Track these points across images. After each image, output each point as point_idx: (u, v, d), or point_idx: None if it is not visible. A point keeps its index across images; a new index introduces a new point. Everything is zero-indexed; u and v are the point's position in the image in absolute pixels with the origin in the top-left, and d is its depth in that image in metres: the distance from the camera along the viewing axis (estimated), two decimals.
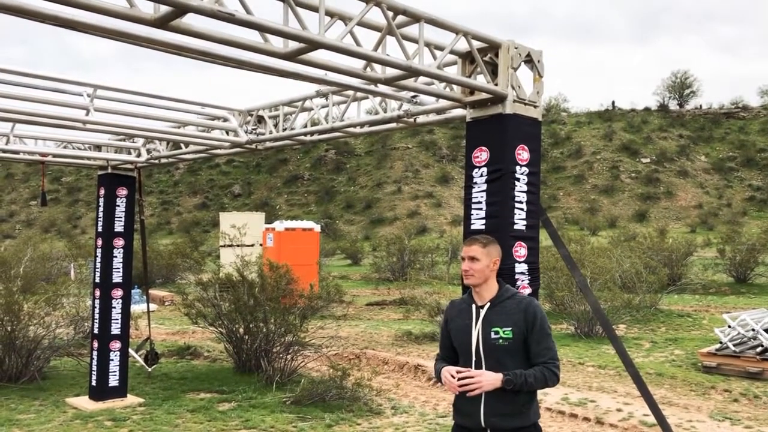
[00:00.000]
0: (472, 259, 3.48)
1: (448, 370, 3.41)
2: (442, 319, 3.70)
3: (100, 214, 8.31)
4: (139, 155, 7.93)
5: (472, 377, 3.32)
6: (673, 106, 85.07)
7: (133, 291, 10.12)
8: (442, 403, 8.28)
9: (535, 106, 4.58)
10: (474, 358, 3.40)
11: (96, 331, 8.24)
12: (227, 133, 6.96)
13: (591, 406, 8.05)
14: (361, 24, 3.95)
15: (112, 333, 8.19)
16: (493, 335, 3.39)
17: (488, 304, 3.47)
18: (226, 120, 6.93)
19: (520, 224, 4.40)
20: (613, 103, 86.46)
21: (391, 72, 4.28)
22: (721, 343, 10.15)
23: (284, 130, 6.49)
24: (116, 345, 8.21)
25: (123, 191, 8.32)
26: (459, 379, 3.33)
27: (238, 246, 15.50)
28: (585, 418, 7.64)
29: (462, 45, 4.39)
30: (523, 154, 4.43)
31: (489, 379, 3.31)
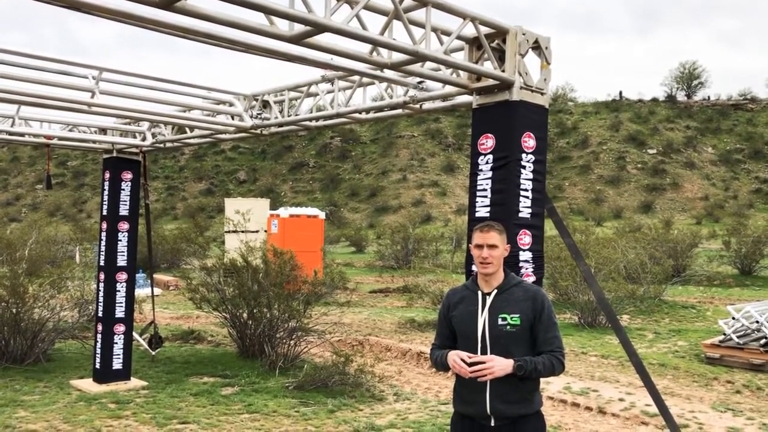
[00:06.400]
0: (492, 246, 3.40)
1: (458, 354, 3.35)
2: (442, 307, 3.63)
3: (105, 198, 8.32)
4: (144, 139, 7.91)
5: (484, 362, 3.30)
6: (681, 97, 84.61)
7: (137, 275, 10.16)
8: (444, 391, 8.30)
9: (542, 94, 4.55)
10: (480, 345, 3.37)
11: (100, 314, 8.27)
12: (232, 118, 6.94)
13: (593, 396, 8.06)
14: (367, 8, 3.91)
15: (116, 316, 8.22)
16: (500, 321, 3.36)
17: (495, 291, 3.44)
18: (231, 105, 6.91)
19: (525, 212, 4.38)
20: (621, 93, 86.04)
21: (397, 57, 4.24)
22: (724, 334, 10.14)
23: (289, 115, 6.47)
24: (120, 328, 8.24)
25: (128, 175, 8.32)
26: (470, 365, 3.30)
27: (242, 232, 15.49)
28: (587, 408, 7.64)
29: (469, 30, 4.36)
30: (529, 141, 4.41)
31: (501, 365, 3.27)
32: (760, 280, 21.18)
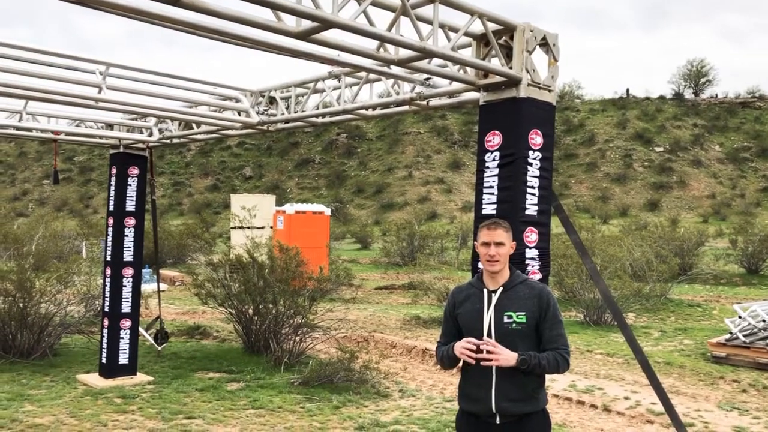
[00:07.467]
0: (499, 244, 3.40)
1: (466, 340, 3.36)
2: (447, 305, 3.62)
3: (112, 193, 8.34)
4: (150, 134, 7.93)
5: (492, 346, 3.29)
6: (688, 94, 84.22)
7: (143, 270, 10.18)
8: (449, 387, 8.30)
9: (549, 91, 4.53)
10: None
11: (107, 309, 8.29)
12: (239, 114, 6.94)
13: (598, 394, 8.05)
14: (374, 4, 3.90)
15: (122, 311, 8.25)
16: (506, 319, 3.36)
17: (501, 288, 3.44)
18: (238, 101, 6.91)
19: (531, 209, 4.37)
20: (628, 90, 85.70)
21: (404, 53, 4.23)
22: (731, 333, 10.10)
23: (296, 111, 6.47)
24: (126, 323, 8.27)
25: (135, 171, 8.34)
26: (477, 352, 3.29)
27: (248, 228, 15.54)
28: (592, 406, 7.63)
29: (477, 27, 4.34)
30: (536, 138, 4.39)
31: (506, 355, 3.28)
32: (767, 279, 21.08)
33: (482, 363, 3.29)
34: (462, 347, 3.35)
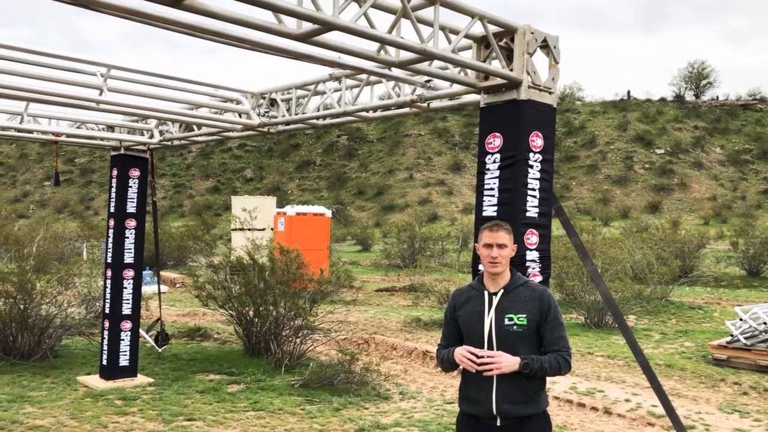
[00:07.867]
0: (501, 246, 3.40)
1: (466, 348, 3.35)
2: (447, 308, 3.61)
3: (113, 195, 8.34)
4: (151, 136, 7.93)
5: (492, 356, 3.29)
6: (689, 96, 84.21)
7: (144, 272, 10.19)
8: (450, 390, 8.29)
9: (550, 93, 4.53)
10: (486, 346, 3.36)
11: (107, 311, 8.29)
12: (240, 116, 6.94)
13: (599, 396, 8.04)
14: (375, 6, 3.90)
15: (123, 313, 8.25)
16: (507, 322, 3.35)
17: (501, 291, 3.43)
18: (238, 102, 6.92)
19: (532, 211, 4.36)
20: (629, 92, 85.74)
21: (405, 55, 4.23)
22: (732, 335, 10.09)
23: (296, 113, 6.47)
24: (127, 325, 8.27)
25: (135, 172, 8.34)
26: (477, 358, 3.29)
27: (249, 230, 15.52)
28: (593, 408, 7.62)
29: (477, 29, 4.34)
30: (536, 140, 4.39)
31: (508, 361, 3.27)
32: None
33: (484, 374, 3.28)
34: (462, 355, 3.34)
